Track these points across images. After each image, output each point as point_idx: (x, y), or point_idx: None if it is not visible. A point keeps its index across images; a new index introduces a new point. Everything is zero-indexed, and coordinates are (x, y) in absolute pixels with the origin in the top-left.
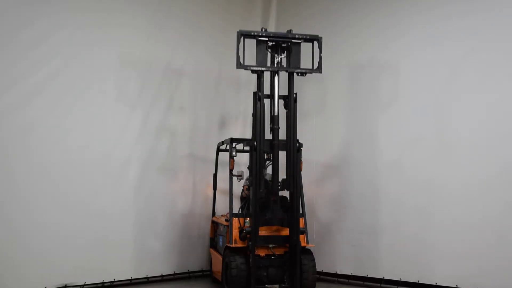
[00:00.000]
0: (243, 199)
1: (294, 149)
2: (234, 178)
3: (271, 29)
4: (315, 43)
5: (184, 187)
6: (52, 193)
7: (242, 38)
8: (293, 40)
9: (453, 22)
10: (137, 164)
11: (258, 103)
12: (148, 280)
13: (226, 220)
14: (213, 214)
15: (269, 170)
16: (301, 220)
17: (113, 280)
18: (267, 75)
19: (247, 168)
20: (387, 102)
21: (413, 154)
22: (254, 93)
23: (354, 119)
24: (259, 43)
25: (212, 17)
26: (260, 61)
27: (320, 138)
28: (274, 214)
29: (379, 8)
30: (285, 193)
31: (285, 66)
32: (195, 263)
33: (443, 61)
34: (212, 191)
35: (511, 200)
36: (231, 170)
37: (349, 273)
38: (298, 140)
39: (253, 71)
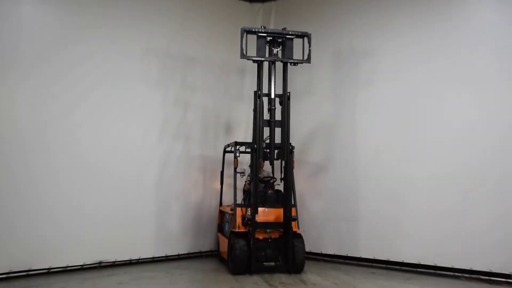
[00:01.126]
0: (245, 192)
1: (287, 127)
2: (238, 175)
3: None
4: (305, 38)
5: (196, 181)
6: (90, 187)
7: (245, 34)
8: (287, 36)
9: (422, 45)
10: (158, 162)
11: (258, 100)
12: (167, 258)
13: (231, 210)
14: (220, 204)
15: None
16: (293, 209)
17: (138, 258)
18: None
19: (249, 166)
20: (365, 109)
21: (388, 153)
22: (255, 92)
23: (336, 126)
24: (259, 38)
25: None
26: (260, 53)
27: (307, 142)
28: (271, 197)
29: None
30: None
31: (280, 57)
32: (205, 245)
33: (407, 85)
34: (220, 185)
35: (468, 191)
36: (235, 168)
37: (332, 253)
38: (291, 143)
39: (254, 61)
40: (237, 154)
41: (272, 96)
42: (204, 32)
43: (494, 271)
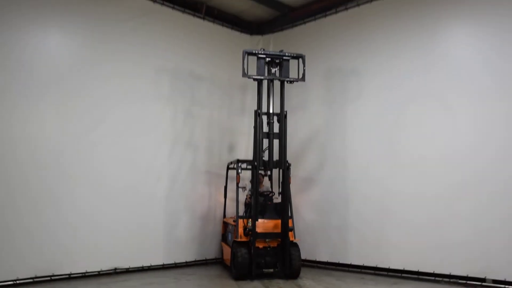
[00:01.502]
0: (246, 205)
1: (284, 140)
2: (240, 189)
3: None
4: (300, 59)
5: (202, 195)
6: (106, 201)
7: (246, 55)
8: (283, 57)
9: (405, 68)
10: (167, 178)
11: (258, 118)
12: (175, 265)
13: (233, 221)
14: (224, 216)
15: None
16: (290, 220)
17: (150, 265)
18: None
19: (250, 181)
20: (353, 132)
21: (373, 171)
22: (255, 111)
23: (328, 144)
24: (259, 59)
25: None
26: (260, 72)
27: (302, 159)
28: (269, 210)
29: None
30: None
31: (278, 76)
32: (210, 253)
33: (391, 105)
34: (223, 199)
35: (448, 204)
36: (237, 183)
37: (326, 260)
38: (287, 161)
39: (254, 79)
40: (239, 170)
41: (271, 111)
42: (210, 59)
43: (470, 275)
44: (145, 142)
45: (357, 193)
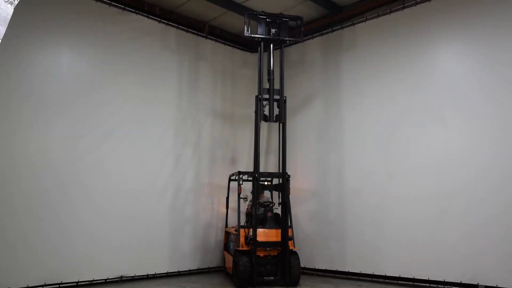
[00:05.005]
0: (248, 215)
1: (282, 94)
2: (241, 200)
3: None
4: (299, 21)
5: (205, 206)
6: (114, 212)
7: (248, 16)
8: (283, 18)
9: (402, 83)
10: (172, 190)
11: (259, 103)
12: (179, 273)
13: (235, 230)
14: (226, 225)
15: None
16: (290, 230)
17: (155, 273)
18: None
19: (250, 192)
20: (349, 146)
21: (368, 183)
22: (256, 96)
23: (325, 158)
24: (259, 20)
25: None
26: (260, 31)
27: (302, 172)
28: (270, 220)
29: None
30: (278, 213)
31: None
32: (213, 261)
33: (387, 120)
34: (225, 209)
35: (438, 215)
36: (239, 194)
37: (324, 268)
38: (286, 172)
39: (256, 39)
40: (240, 182)
41: (271, 67)
42: (213, 81)
43: (463, 282)
44: (152, 156)
45: (353, 204)
